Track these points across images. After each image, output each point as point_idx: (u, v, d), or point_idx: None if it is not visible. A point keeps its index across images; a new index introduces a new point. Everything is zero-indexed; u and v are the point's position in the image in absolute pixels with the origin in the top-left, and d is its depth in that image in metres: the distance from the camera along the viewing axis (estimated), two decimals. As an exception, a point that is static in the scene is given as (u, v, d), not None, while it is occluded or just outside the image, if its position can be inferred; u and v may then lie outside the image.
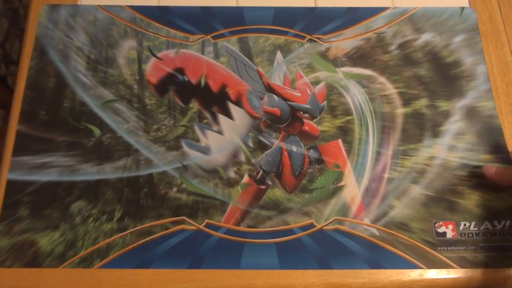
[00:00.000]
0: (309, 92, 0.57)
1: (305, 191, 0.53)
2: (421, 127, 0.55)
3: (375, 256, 0.49)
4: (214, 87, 0.57)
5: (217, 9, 0.61)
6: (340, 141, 0.55)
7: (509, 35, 0.61)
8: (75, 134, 0.55)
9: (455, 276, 0.49)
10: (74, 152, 0.54)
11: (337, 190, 0.53)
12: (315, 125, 0.56)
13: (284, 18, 0.61)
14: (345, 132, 0.55)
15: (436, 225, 0.51)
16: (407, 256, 0.49)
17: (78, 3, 0.62)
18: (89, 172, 0.53)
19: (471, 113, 0.56)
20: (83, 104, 0.56)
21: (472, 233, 0.50)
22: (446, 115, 0.56)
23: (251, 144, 0.55)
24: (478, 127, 0.55)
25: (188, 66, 0.58)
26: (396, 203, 0.52)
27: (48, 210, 0.51)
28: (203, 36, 0.60)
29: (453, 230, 0.51)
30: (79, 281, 0.48)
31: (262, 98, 0.57)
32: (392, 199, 0.52)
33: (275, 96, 0.57)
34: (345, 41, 0.60)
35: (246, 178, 0.53)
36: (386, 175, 0.53)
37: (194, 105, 0.56)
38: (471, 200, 0.52)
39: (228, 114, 0.56)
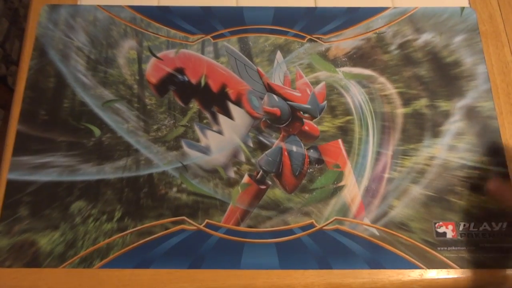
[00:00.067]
0: (309, 92, 0.57)
1: (305, 191, 0.53)
2: (421, 127, 0.55)
3: (375, 256, 0.49)
4: (214, 87, 0.57)
5: (217, 9, 0.61)
6: (340, 141, 0.55)
7: (509, 35, 0.61)
8: (75, 134, 0.55)
9: (455, 276, 0.49)
10: (74, 152, 0.54)
11: (337, 190, 0.53)
12: (315, 125, 0.56)
13: (284, 18, 0.61)
14: (345, 132, 0.55)
15: (436, 225, 0.51)
16: (407, 256, 0.49)
17: (78, 3, 0.62)
18: (89, 172, 0.53)
19: (471, 113, 0.56)
20: (83, 104, 0.56)
21: (472, 234, 0.50)
22: (446, 115, 0.56)
23: (251, 144, 0.55)
24: (477, 127, 0.55)
25: (188, 66, 0.58)
26: (396, 203, 0.52)
27: (48, 210, 0.51)
28: (203, 36, 0.60)
29: (453, 230, 0.51)
30: (79, 281, 0.48)
31: (262, 98, 0.57)
32: (392, 199, 0.52)
33: (275, 96, 0.57)
34: (345, 41, 0.60)
35: (246, 178, 0.53)
36: (386, 175, 0.53)
37: (194, 105, 0.56)
38: (471, 201, 0.52)
39: (228, 114, 0.56)
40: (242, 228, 0.51)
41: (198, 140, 0.55)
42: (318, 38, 0.60)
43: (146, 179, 0.53)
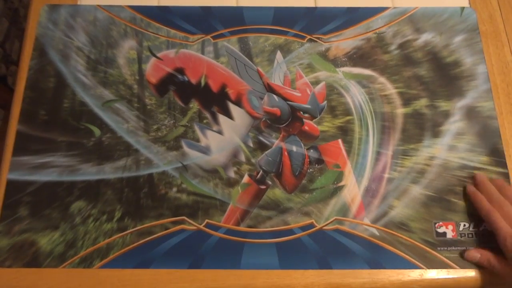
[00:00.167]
0: (309, 92, 0.57)
1: (305, 191, 0.53)
2: (421, 127, 0.55)
3: (375, 256, 0.49)
4: (214, 87, 0.57)
5: (217, 9, 0.61)
6: (340, 141, 0.55)
7: (509, 35, 0.61)
8: (75, 134, 0.55)
9: (455, 276, 0.49)
10: (74, 152, 0.54)
11: (337, 190, 0.53)
12: (315, 125, 0.56)
13: (284, 18, 0.61)
14: (345, 132, 0.55)
15: (436, 225, 0.51)
16: (407, 256, 0.49)
17: (78, 3, 0.62)
18: (89, 172, 0.53)
19: (471, 113, 0.56)
20: (83, 104, 0.56)
21: (472, 234, 0.50)
22: (446, 115, 0.56)
23: (251, 144, 0.55)
24: (477, 127, 0.55)
25: (188, 66, 0.58)
26: (396, 203, 0.52)
27: (48, 210, 0.51)
28: (203, 36, 0.60)
29: (453, 230, 0.51)
30: (79, 281, 0.48)
31: (262, 98, 0.57)
32: (392, 199, 0.52)
33: (275, 96, 0.57)
34: (345, 41, 0.60)
35: (246, 178, 0.53)
36: (386, 175, 0.53)
37: (194, 105, 0.56)
38: (471, 200, 0.52)
39: (228, 114, 0.56)
40: (242, 228, 0.51)
41: (198, 140, 0.55)
42: (318, 38, 0.60)
43: (146, 179, 0.53)
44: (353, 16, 0.61)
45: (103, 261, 0.49)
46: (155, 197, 0.52)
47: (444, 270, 0.49)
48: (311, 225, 0.51)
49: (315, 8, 0.62)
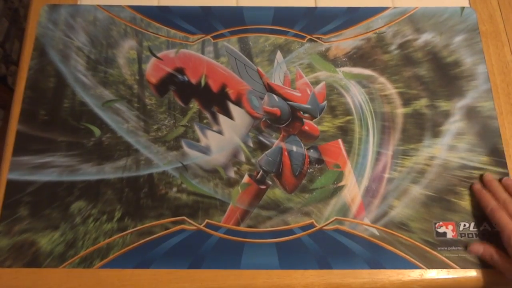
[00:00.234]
0: (309, 92, 0.57)
1: (305, 191, 0.53)
2: (421, 127, 0.55)
3: (375, 256, 0.49)
4: (214, 87, 0.57)
5: (217, 9, 0.61)
6: (340, 141, 0.55)
7: (509, 35, 0.61)
8: (75, 134, 0.55)
9: (455, 276, 0.49)
10: (74, 152, 0.54)
11: (337, 190, 0.53)
12: (315, 125, 0.56)
13: (284, 18, 0.61)
14: (345, 132, 0.55)
15: (436, 225, 0.51)
16: (407, 256, 0.49)
17: (78, 3, 0.62)
18: (89, 172, 0.53)
19: (471, 113, 0.56)
20: (83, 104, 0.56)
21: (472, 234, 0.50)
22: (446, 115, 0.56)
23: (251, 144, 0.55)
24: (477, 127, 0.55)
25: (188, 66, 0.58)
26: (396, 203, 0.52)
27: (48, 210, 0.51)
28: (203, 36, 0.60)
29: (453, 231, 0.51)
30: (79, 281, 0.48)
31: (262, 98, 0.57)
32: (392, 199, 0.52)
33: (275, 96, 0.57)
34: (345, 41, 0.60)
35: (246, 178, 0.53)
36: (386, 175, 0.53)
37: (194, 105, 0.56)
38: (471, 201, 0.52)
39: (228, 114, 0.56)
40: (242, 228, 0.51)
41: (198, 140, 0.55)
42: (318, 38, 0.60)
43: (146, 179, 0.53)
44: (353, 16, 0.61)
45: (103, 261, 0.49)
46: (155, 197, 0.52)
47: (444, 270, 0.49)
48: (311, 225, 0.51)
49: (315, 8, 0.62)
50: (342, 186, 0.53)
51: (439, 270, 0.49)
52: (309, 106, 0.56)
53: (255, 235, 0.51)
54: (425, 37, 0.60)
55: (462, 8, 0.61)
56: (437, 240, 0.50)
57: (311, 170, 0.54)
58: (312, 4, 0.63)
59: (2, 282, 0.48)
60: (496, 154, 0.54)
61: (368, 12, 0.61)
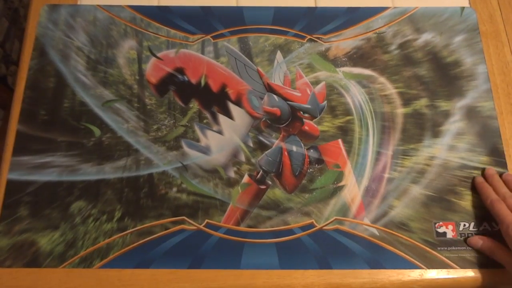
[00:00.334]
0: (309, 92, 0.57)
1: (305, 191, 0.53)
2: (421, 127, 0.55)
3: (375, 256, 0.49)
4: (214, 87, 0.57)
5: (217, 9, 0.61)
6: (340, 141, 0.55)
7: (509, 35, 0.61)
8: (75, 134, 0.55)
9: (455, 276, 0.49)
10: (74, 152, 0.54)
11: (337, 190, 0.53)
12: (315, 125, 0.56)
13: (284, 18, 0.61)
14: (345, 132, 0.55)
15: (436, 225, 0.51)
16: (407, 256, 0.49)
17: (78, 3, 0.62)
18: (89, 172, 0.53)
19: (471, 113, 0.56)
20: (83, 104, 0.56)
21: (472, 234, 0.50)
22: (446, 115, 0.56)
23: (251, 144, 0.55)
24: (477, 127, 0.55)
25: (188, 66, 0.58)
26: (396, 203, 0.52)
27: (48, 210, 0.51)
28: (203, 36, 0.60)
29: (453, 230, 0.51)
30: (79, 281, 0.48)
31: (262, 98, 0.57)
32: (392, 199, 0.52)
33: (275, 96, 0.57)
34: (345, 41, 0.60)
35: (246, 178, 0.53)
36: (386, 175, 0.53)
37: (194, 105, 0.56)
38: (471, 201, 0.52)
39: (228, 114, 0.56)
40: (242, 228, 0.51)
41: (198, 140, 0.55)
42: (318, 38, 0.60)
43: (146, 179, 0.53)
44: (353, 16, 0.61)
45: (103, 261, 0.49)
46: (155, 197, 0.52)
47: (444, 270, 0.49)
48: (311, 225, 0.51)
49: (315, 8, 0.62)
50: (342, 186, 0.53)
51: (439, 270, 0.49)
52: (309, 106, 0.56)
53: (255, 235, 0.51)
54: (425, 37, 0.60)
55: (462, 8, 0.61)
56: (437, 240, 0.50)
57: (311, 170, 0.54)
58: (312, 4, 0.63)
59: (2, 282, 0.48)
60: (496, 154, 0.54)
61: (368, 12, 0.61)
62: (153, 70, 0.58)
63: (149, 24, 0.60)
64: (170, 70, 0.58)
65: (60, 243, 0.50)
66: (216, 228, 0.51)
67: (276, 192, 0.53)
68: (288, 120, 0.56)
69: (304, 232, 0.51)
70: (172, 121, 0.56)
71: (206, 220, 0.51)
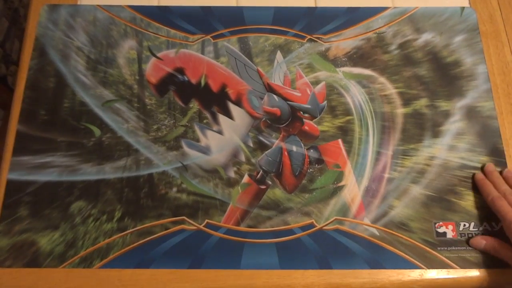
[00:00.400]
0: (309, 92, 0.57)
1: (305, 191, 0.53)
2: (421, 127, 0.55)
3: (375, 256, 0.49)
4: (214, 87, 0.57)
5: (217, 9, 0.61)
6: (340, 141, 0.55)
7: (509, 35, 0.61)
8: (75, 134, 0.55)
9: (455, 276, 0.49)
10: (74, 152, 0.54)
11: (337, 190, 0.53)
12: (315, 125, 0.56)
13: (284, 18, 0.61)
14: (345, 132, 0.55)
15: (436, 225, 0.51)
16: (407, 256, 0.49)
17: (78, 3, 0.62)
18: (89, 172, 0.53)
19: (471, 113, 0.56)
20: (83, 104, 0.56)
21: (472, 234, 0.50)
22: (446, 115, 0.56)
23: (251, 144, 0.55)
24: (477, 127, 0.55)
25: (188, 66, 0.58)
26: (396, 203, 0.52)
27: (48, 210, 0.51)
28: (203, 36, 0.60)
29: (453, 230, 0.51)
30: (79, 281, 0.48)
31: (262, 98, 0.57)
32: (392, 199, 0.52)
33: (275, 96, 0.57)
34: (345, 41, 0.60)
35: (246, 178, 0.53)
36: (386, 175, 0.53)
37: (194, 105, 0.56)
38: (471, 201, 0.52)
39: (228, 114, 0.56)
40: (242, 228, 0.51)
41: (198, 140, 0.55)
42: (318, 38, 0.60)
43: (146, 179, 0.53)
44: (353, 16, 0.61)
45: (103, 261, 0.49)
46: (155, 197, 0.52)
47: (444, 270, 0.49)
48: (311, 225, 0.51)
49: (315, 8, 0.62)
50: (342, 186, 0.53)
51: (439, 270, 0.49)
52: (309, 106, 0.56)
53: (255, 235, 0.51)
54: (425, 37, 0.60)
55: (462, 8, 0.61)
56: (437, 240, 0.50)
57: (311, 170, 0.54)
58: (312, 4, 0.63)
59: (2, 282, 0.48)
60: (496, 154, 0.54)
61: (368, 12, 0.61)
62: (153, 70, 0.58)
63: (149, 24, 0.60)
64: (170, 70, 0.58)
65: (60, 243, 0.50)
66: (216, 228, 0.51)
67: (276, 192, 0.53)
68: (288, 120, 0.56)
69: (304, 232, 0.51)
70: (172, 121, 0.56)
71: (206, 220, 0.51)
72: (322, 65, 0.59)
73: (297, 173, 0.53)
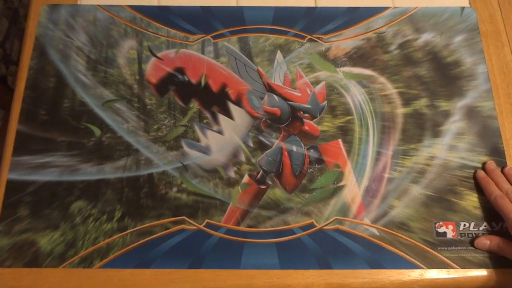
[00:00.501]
0: (309, 92, 0.57)
1: (305, 191, 0.53)
2: (421, 127, 0.55)
3: (375, 256, 0.49)
4: (214, 87, 0.57)
5: (217, 9, 0.61)
6: (340, 141, 0.55)
7: (509, 35, 0.61)
8: (75, 134, 0.55)
9: (455, 276, 0.49)
10: (74, 152, 0.54)
11: (337, 190, 0.53)
12: (315, 125, 0.56)
13: (284, 18, 0.61)
14: (345, 132, 0.55)
15: (436, 225, 0.51)
16: (407, 256, 0.49)
17: (78, 3, 0.62)
18: (89, 172, 0.53)
19: (471, 113, 0.56)
20: (83, 104, 0.56)
21: (472, 234, 0.50)
22: (446, 115, 0.56)
23: (251, 144, 0.55)
24: (478, 127, 0.55)
25: (188, 66, 0.58)
26: (396, 203, 0.52)
27: (48, 210, 0.51)
28: (203, 36, 0.60)
29: (453, 230, 0.51)
30: (79, 281, 0.48)
31: (262, 98, 0.57)
32: (392, 199, 0.52)
33: (275, 96, 0.57)
34: (345, 41, 0.60)
35: (246, 178, 0.53)
36: (386, 175, 0.53)
37: (194, 105, 0.56)
38: (471, 201, 0.52)
39: (228, 114, 0.56)
40: (242, 228, 0.51)
41: (198, 140, 0.55)
42: (318, 38, 0.60)
43: (146, 179, 0.53)
44: (353, 16, 0.61)
45: (103, 261, 0.49)
46: (155, 197, 0.52)
47: (444, 270, 0.49)
48: (311, 225, 0.51)
49: (315, 8, 0.62)
50: (342, 186, 0.53)
51: (439, 270, 0.49)
52: (309, 106, 0.56)
53: (255, 235, 0.51)
54: (425, 37, 0.60)
55: (462, 8, 0.61)
56: (437, 240, 0.50)
57: (311, 170, 0.54)
58: (312, 4, 0.63)
59: (2, 282, 0.48)
60: (496, 154, 0.54)
61: (368, 12, 0.61)
62: (153, 70, 0.58)
63: (149, 24, 0.60)
64: (170, 70, 0.58)
65: (60, 243, 0.50)
66: (216, 228, 0.51)
67: (276, 192, 0.53)
68: (288, 120, 0.56)
69: (304, 232, 0.51)
70: (172, 121, 0.56)
71: (206, 220, 0.51)
72: (322, 65, 0.59)
73: (297, 173, 0.53)
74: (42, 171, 0.53)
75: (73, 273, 0.49)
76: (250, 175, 0.53)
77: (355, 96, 0.57)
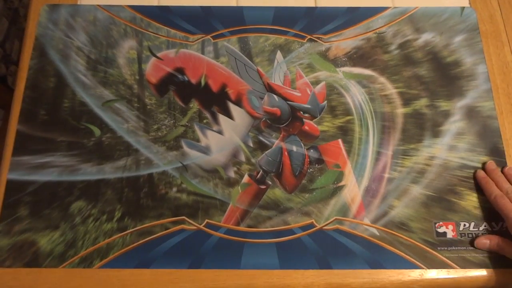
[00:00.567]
0: (309, 92, 0.57)
1: (305, 191, 0.53)
2: (421, 127, 0.55)
3: (375, 256, 0.49)
4: (214, 87, 0.57)
5: (217, 9, 0.61)
6: (340, 141, 0.55)
7: (509, 35, 0.61)
8: (75, 134, 0.55)
9: (455, 276, 0.49)
10: (74, 152, 0.54)
11: (337, 190, 0.53)
12: (315, 125, 0.56)
13: (284, 18, 0.61)
14: (345, 132, 0.55)
15: (436, 225, 0.51)
16: (407, 256, 0.49)
17: (78, 3, 0.62)
18: (89, 172, 0.53)
19: (471, 113, 0.56)
20: (83, 104, 0.56)
21: (472, 234, 0.50)
22: (446, 115, 0.56)
23: (251, 144, 0.55)
24: (478, 127, 0.55)
25: (188, 66, 0.58)
26: (396, 203, 0.52)
27: (48, 210, 0.51)
28: (203, 36, 0.60)
29: (453, 230, 0.51)
30: (79, 281, 0.48)
31: (262, 98, 0.57)
32: (392, 199, 0.52)
33: (275, 96, 0.57)
34: (345, 41, 0.60)
35: (246, 178, 0.53)
36: (386, 175, 0.53)
37: (194, 105, 0.56)
38: (471, 201, 0.52)
39: (228, 114, 0.56)
40: (242, 228, 0.51)
41: (198, 140, 0.55)
42: (318, 38, 0.60)
43: (146, 179, 0.53)
44: (353, 16, 0.61)
45: (103, 261, 0.49)
46: (155, 197, 0.52)
47: (444, 270, 0.49)
48: (311, 225, 0.51)
49: (315, 8, 0.62)
50: (342, 186, 0.53)
51: (439, 270, 0.49)
52: (309, 106, 0.56)
53: (255, 235, 0.51)
54: (425, 37, 0.60)
55: (462, 8, 0.61)
56: (437, 240, 0.50)
57: (311, 170, 0.54)
58: (312, 4, 0.63)
59: (2, 282, 0.48)
60: (496, 154, 0.54)
61: (368, 12, 0.61)
62: (153, 70, 0.58)
63: (149, 24, 0.60)
64: (170, 70, 0.58)
65: (60, 243, 0.50)
66: (216, 228, 0.51)
67: (276, 192, 0.53)
68: (288, 120, 0.56)
69: (304, 232, 0.51)
70: (172, 121, 0.56)
71: (206, 220, 0.51)
72: (322, 65, 0.59)
73: (297, 173, 0.53)
74: (42, 171, 0.53)
75: (73, 273, 0.49)
76: (250, 175, 0.53)
77: (355, 96, 0.57)
